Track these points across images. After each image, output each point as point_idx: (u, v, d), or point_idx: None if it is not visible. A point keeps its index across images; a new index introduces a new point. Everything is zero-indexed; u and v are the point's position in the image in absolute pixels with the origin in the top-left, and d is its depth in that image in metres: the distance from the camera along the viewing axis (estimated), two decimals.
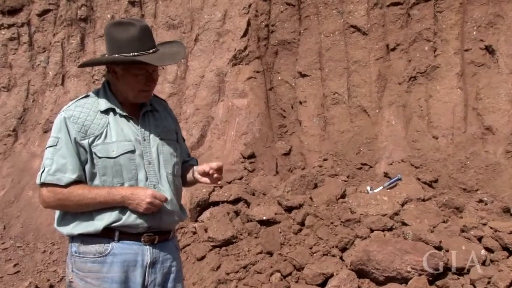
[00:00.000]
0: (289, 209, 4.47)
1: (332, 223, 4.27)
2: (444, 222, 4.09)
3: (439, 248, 3.65)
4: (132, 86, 1.89)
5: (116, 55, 1.84)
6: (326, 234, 4.15)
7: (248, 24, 6.08)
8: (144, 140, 1.93)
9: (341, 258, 3.98)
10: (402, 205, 4.33)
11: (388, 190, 4.57)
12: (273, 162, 5.57)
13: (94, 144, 1.86)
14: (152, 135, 1.95)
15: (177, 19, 6.42)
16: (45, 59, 6.68)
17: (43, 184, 1.86)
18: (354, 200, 4.45)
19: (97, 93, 1.96)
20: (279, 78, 6.16)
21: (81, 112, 1.90)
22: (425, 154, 5.04)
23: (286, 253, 4.01)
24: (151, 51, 1.86)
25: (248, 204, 4.79)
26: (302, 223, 4.32)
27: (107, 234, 1.88)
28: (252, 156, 5.52)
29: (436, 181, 4.78)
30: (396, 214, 4.23)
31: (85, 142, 1.86)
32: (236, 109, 5.89)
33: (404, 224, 4.10)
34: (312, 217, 4.33)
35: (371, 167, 5.21)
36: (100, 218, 1.86)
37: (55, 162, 1.86)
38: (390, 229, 4.06)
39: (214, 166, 1.95)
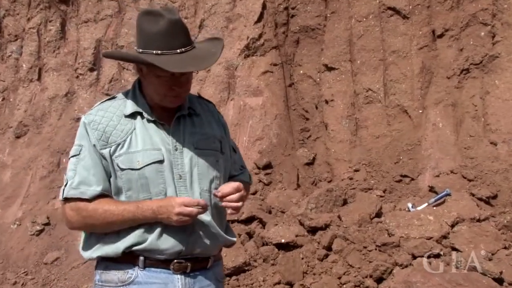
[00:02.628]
0: (313, 230, 4.47)
1: (365, 247, 4.26)
2: (505, 248, 4.06)
3: (499, 280, 3.61)
4: (155, 89, 1.92)
5: (140, 50, 1.88)
6: (358, 261, 4.14)
7: (264, 7, 6.13)
8: (176, 149, 1.92)
9: None
10: (452, 226, 4.30)
11: (434, 207, 4.55)
12: (294, 173, 5.58)
13: (117, 154, 1.89)
14: (186, 144, 1.94)
15: (178, 1, 6.50)
16: (17, 48, 6.73)
17: (66, 200, 1.90)
18: (392, 219, 4.44)
19: (126, 94, 2.00)
20: (301, 72, 6.18)
21: (103, 117, 1.93)
22: (480, 164, 5.00)
23: (310, 283, 4.01)
24: (178, 50, 1.86)
25: (263, 224, 4.81)
26: (329, 248, 4.32)
27: (131, 259, 1.89)
28: (268, 166, 5.54)
29: (494, 197, 4.73)
30: (445, 237, 4.21)
31: (106, 152, 1.89)
32: (249, 109, 5.93)
33: (454, 249, 4.08)
34: (341, 240, 4.33)
35: (413, 179, 5.18)
36: (124, 239, 1.88)
37: (78, 174, 1.89)
38: (437, 256, 4.04)
39: (226, 190, 1.89)
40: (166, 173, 1.89)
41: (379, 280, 4.02)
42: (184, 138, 1.95)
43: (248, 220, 4.82)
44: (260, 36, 6.10)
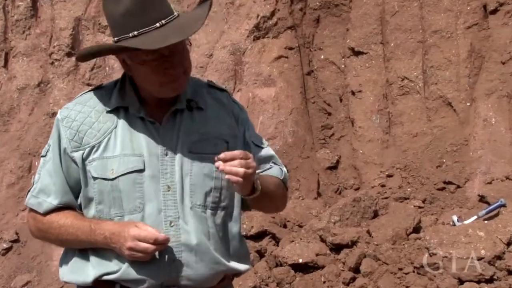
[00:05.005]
0: (337, 248, 4.46)
1: (400, 269, 4.24)
2: None
3: None
4: (148, 79, 1.87)
5: (116, 39, 1.85)
6: (391, 285, 4.12)
7: None
8: (166, 154, 1.87)
9: None
10: (508, 244, 4.28)
11: (486, 221, 4.54)
12: (313, 179, 5.57)
13: (90, 158, 1.87)
14: (179, 147, 1.89)
15: None
16: None
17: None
18: (434, 235, 4.42)
19: (115, 84, 1.96)
20: (322, 57, 6.17)
21: (80, 112, 1.91)
22: None
23: None
24: (158, 24, 1.81)
25: (277, 240, 4.81)
26: (356, 269, 4.31)
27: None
28: None
29: None
30: (499, 257, 4.19)
31: (78, 155, 1.87)
32: (259, 102, 5.93)
33: (510, 272, 4.07)
34: (370, 260, 4.31)
35: (458, 187, 5.16)
36: (96, 263, 1.87)
37: (41, 180, 1.92)
38: (490, 281, 4.02)
39: (236, 152, 1.81)
40: (147, 185, 1.85)
41: None
42: (178, 139, 1.90)
43: (259, 236, 4.83)
44: (272, 14, 6.10)
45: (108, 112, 1.90)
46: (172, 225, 1.85)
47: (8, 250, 5.78)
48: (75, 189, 1.91)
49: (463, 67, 5.51)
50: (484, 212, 4.61)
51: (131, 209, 1.84)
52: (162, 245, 1.80)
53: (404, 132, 5.60)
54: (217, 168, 1.77)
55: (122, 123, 1.89)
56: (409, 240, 4.51)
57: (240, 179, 1.76)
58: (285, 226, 4.99)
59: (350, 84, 5.94)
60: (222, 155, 1.76)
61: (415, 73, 5.67)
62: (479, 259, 4.16)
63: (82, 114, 1.91)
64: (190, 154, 1.88)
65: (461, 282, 4.05)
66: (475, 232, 4.35)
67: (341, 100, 6.03)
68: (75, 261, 1.91)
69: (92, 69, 6.48)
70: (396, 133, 5.66)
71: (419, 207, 5.02)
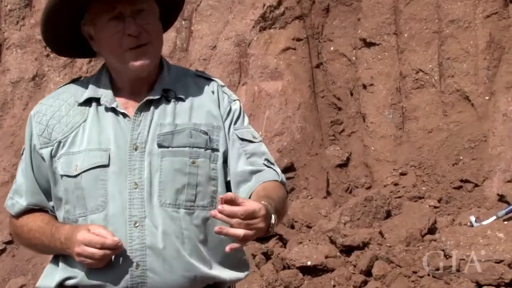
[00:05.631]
0: (347, 250, 4.46)
1: (414, 272, 4.22)
2: None
3: None
4: (109, 48, 1.85)
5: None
6: None
7: None
8: (135, 148, 1.84)
9: None
10: None
11: (505, 222, 4.52)
12: (323, 177, 5.56)
13: (58, 154, 1.87)
14: (149, 141, 1.85)
15: None
16: None
17: None
18: (450, 237, 4.39)
19: (94, 76, 1.97)
20: (332, 49, 6.15)
21: (51, 106, 1.91)
22: None
23: None
24: None
25: (284, 242, 4.81)
26: (367, 272, 4.30)
27: None
28: (290, 168, 5.53)
29: None
30: None
31: (46, 152, 1.87)
32: (265, 96, 5.92)
33: None
34: (383, 262, 4.30)
35: (476, 185, 5.14)
36: (62, 268, 1.86)
37: (16, 180, 1.96)
38: (510, 285, 4.00)
39: (238, 210, 1.62)
40: (112, 182, 1.81)
41: None
42: (149, 131, 1.86)
43: (265, 237, 4.81)
44: (279, 3, 6.10)
45: (80, 104, 1.90)
46: (136, 225, 1.79)
47: (1, 252, 5.80)
48: (47, 189, 1.91)
49: (482, 59, 5.49)
50: (503, 212, 4.58)
51: (93, 208, 1.82)
52: (114, 250, 1.74)
53: (419, 127, 5.58)
54: (213, 216, 1.63)
55: (92, 116, 1.88)
56: (423, 241, 4.48)
57: (236, 245, 1.63)
58: (292, 227, 4.99)
59: (361, 77, 5.93)
60: (219, 207, 1.60)
61: (430, 66, 5.66)
62: (499, 261, 4.14)
63: (53, 108, 1.91)
64: (160, 148, 1.84)
65: (479, 286, 4.03)
66: (494, 234, 4.32)
67: (351, 94, 6.03)
68: (49, 266, 1.92)
69: (90, 61, 6.48)
70: (410, 128, 5.65)
71: (435, 207, 5.00)
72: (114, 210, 1.80)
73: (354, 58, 6.04)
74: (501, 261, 4.13)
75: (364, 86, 5.89)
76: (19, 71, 6.51)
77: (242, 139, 1.95)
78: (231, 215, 1.60)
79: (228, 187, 1.91)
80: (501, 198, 4.88)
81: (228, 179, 1.92)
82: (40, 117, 1.91)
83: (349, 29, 6.10)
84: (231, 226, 1.61)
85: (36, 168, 1.90)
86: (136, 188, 1.81)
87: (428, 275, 4.21)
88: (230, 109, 1.97)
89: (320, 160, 5.68)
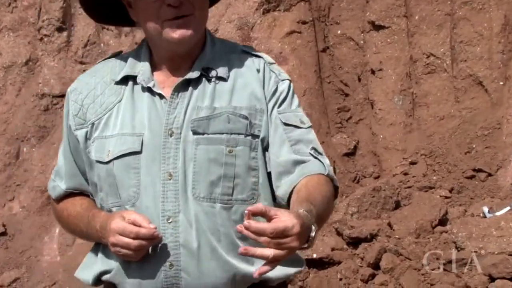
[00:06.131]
0: (354, 243, 4.47)
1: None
2: None
3: None
4: (149, 19, 1.76)
5: None
6: (415, 283, 4.12)
7: None
8: (171, 134, 1.74)
9: None
10: None
11: None
12: None
13: (92, 137, 1.81)
14: (185, 125, 1.74)
15: None
16: None
17: None
18: (462, 228, 4.40)
19: (134, 50, 1.90)
20: (339, 32, 6.13)
21: (87, 83, 1.86)
22: None
23: None
24: None
25: None
26: (375, 265, 4.31)
27: None
28: None
29: None
30: None
31: (81, 134, 1.82)
32: None
33: None
34: (392, 255, 4.31)
35: (490, 175, 5.13)
36: (101, 260, 1.82)
37: (58, 161, 1.92)
38: None
39: (267, 228, 1.44)
40: (144, 171, 1.73)
41: None
42: (185, 116, 1.75)
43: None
44: None
45: (116, 83, 1.82)
46: (170, 221, 1.70)
47: None
48: (84, 173, 1.87)
49: (496, 42, 5.46)
50: None
51: (126, 199, 1.74)
52: (151, 241, 1.66)
53: (430, 114, 5.58)
54: (239, 232, 1.47)
55: (127, 96, 1.80)
56: (434, 233, 4.49)
57: (266, 268, 1.46)
58: None
59: (369, 61, 5.92)
60: (245, 223, 1.44)
61: (442, 49, 5.64)
62: (511, 254, 4.15)
63: (88, 86, 1.85)
64: (194, 135, 1.73)
65: (492, 279, 4.03)
66: (508, 225, 4.32)
67: (359, 80, 6.01)
68: (88, 255, 1.87)
69: (86, 45, 6.48)
70: (420, 115, 5.64)
71: (446, 197, 4.99)
72: (146, 203, 1.72)
73: (362, 42, 6.02)
74: None
75: (373, 71, 5.88)
76: (12, 56, 6.51)
77: (287, 124, 1.79)
78: (259, 233, 1.43)
79: (270, 178, 1.78)
80: None
81: (270, 169, 1.78)
82: (76, 95, 1.85)
83: (357, 12, 6.08)
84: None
85: (74, 149, 1.85)
86: (170, 179, 1.72)
87: (439, 268, 4.21)
88: (276, 90, 1.83)
89: (327, 149, 5.67)
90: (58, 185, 1.89)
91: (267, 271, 1.47)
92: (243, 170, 1.74)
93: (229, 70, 1.81)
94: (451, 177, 5.17)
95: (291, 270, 1.78)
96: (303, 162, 1.76)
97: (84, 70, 6.74)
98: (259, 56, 1.87)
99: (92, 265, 1.83)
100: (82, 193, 1.89)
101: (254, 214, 1.45)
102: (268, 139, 1.78)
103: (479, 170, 5.17)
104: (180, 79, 1.77)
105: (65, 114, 1.89)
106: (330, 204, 1.74)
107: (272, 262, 1.45)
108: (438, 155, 5.36)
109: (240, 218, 1.69)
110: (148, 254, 1.70)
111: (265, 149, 1.78)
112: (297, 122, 1.81)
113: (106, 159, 1.76)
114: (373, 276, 4.26)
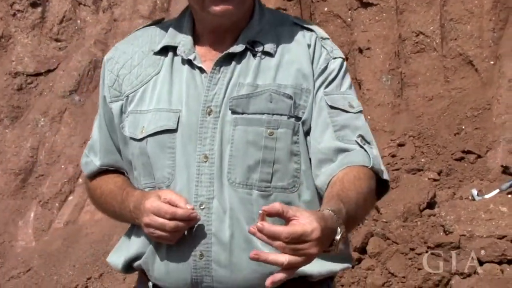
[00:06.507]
0: None
1: (412, 250, 4.25)
2: None
3: None
4: None
5: None
6: (402, 268, 4.13)
7: None
8: (209, 112, 1.65)
9: None
10: None
11: (509, 195, 4.52)
12: None
13: (127, 112, 1.74)
14: (225, 103, 1.65)
15: None
16: None
17: None
18: (451, 211, 4.41)
19: (176, 18, 1.80)
20: (325, 9, 6.10)
21: (124, 52, 1.79)
22: None
23: None
24: None
25: None
26: (362, 250, 4.33)
27: (143, 277, 1.76)
28: None
29: None
30: None
31: (116, 107, 1.75)
32: None
33: None
34: (378, 239, 4.33)
35: (479, 157, 5.13)
36: (132, 243, 1.75)
37: (92, 135, 1.85)
38: None
39: (282, 232, 1.31)
40: (180, 151, 1.64)
41: None
42: (226, 93, 1.65)
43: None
44: None
45: (155, 53, 1.74)
46: (202, 207, 1.61)
47: None
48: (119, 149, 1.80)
49: (487, 20, 5.45)
50: (507, 185, 4.57)
51: (160, 180, 1.66)
52: (188, 222, 1.57)
53: (419, 95, 5.57)
54: (251, 234, 1.35)
55: (166, 68, 1.72)
56: (422, 217, 4.50)
57: (280, 275, 1.32)
58: None
59: (357, 40, 5.90)
60: (259, 225, 1.32)
61: (431, 28, 5.63)
62: (501, 237, 4.16)
63: (125, 55, 1.77)
64: (233, 114, 1.63)
65: (480, 263, 4.05)
66: (497, 208, 4.35)
67: (346, 59, 5.96)
68: (122, 239, 1.80)
69: (61, 22, 6.42)
70: (409, 96, 5.64)
71: (434, 180, 4.98)
72: (180, 186, 1.63)
73: (349, 19, 5.99)
74: (504, 236, 4.16)
75: (360, 50, 5.86)
76: None
77: (332, 107, 1.67)
78: (273, 237, 1.30)
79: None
80: (505, 170, 4.87)
81: (310, 156, 1.67)
82: (113, 64, 1.78)
83: None
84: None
85: (109, 123, 1.78)
86: (205, 162, 1.62)
87: (427, 252, 4.23)
88: (326, 68, 1.70)
89: None
90: (92, 161, 1.82)
91: (281, 280, 1.32)
92: (284, 155, 1.63)
93: (277, 45, 1.70)
94: (440, 159, 5.17)
95: (336, 267, 1.66)
96: (346, 150, 1.63)
97: (60, 48, 6.82)
98: (311, 30, 1.75)
99: (124, 250, 1.76)
100: (117, 170, 1.81)
101: (270, 215, 1.33)
102: (310, 122, 1.67)
103: (468, 152, 5.16)
104: (223, 52, 1.68)
105: (100, 84, 1.81)
106: (367, 202, 1.59)
107: (288, 269, 1.32)
108: (426, 136, 5.36)
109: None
110: (179, 242, 1.62)
111: (307, 133, 1.67)
112: (345, 105, 1.68)
113: (140, 136, 1.68)
114: (359, 260, 4.27)
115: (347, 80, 1.72)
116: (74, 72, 6.33)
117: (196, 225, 1.60)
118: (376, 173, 1.62)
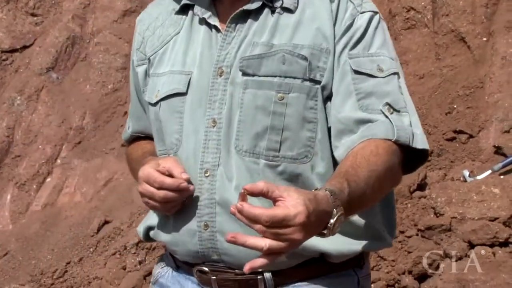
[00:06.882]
0: None
1: (402, 232, 4.26)
2: None
3: None
4: None
5: None
6: (391, 250, 4.14)
7: None
8: (220, 74, 1.58)
9: None
10: None
11: (502, 176, 4.53)
12: None
13: (149, 75, 1.73)
14: (236, 64, 1.58)
15: None
16: None
17: None
18: (441, 193, 4.42)
19: None
20: None
21: (150, 13, 1.77)
22: None
23: None
24: None
25: None
26: None
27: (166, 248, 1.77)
28: None
29: None
30: None
31: (141, 71, 1.74)
32: None
33: None
34: None
35: (471, 136, 5.13)
36: (151, 213, 1.76)
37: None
38: (505, 244, 4.04)
39: (262, 214, 1.24)
40: (189, 116, 1.60)
41: (422, 278, 4.03)
42: (237, 53, 1.58)
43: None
44: None
45: (177, 13, 1.69)
46: (207, 174, 1.56)
47: None
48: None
49: None
50: (500, 165, 4.58)
51: (169, 147, 1.63)
52: (179, 193, 1.52)
53: (409, 73, 5.55)
54: (232, 213, 1.28)
55: (186, 27, 1.67)
56: (412, 198, 4.51)
57: (260, 261, 1.26)
58: None
59: None
60: (238, 205, 1.25)
61: (422, 3, 5.62)
62: (493, 219, 4.17)
63: (151, 16, 1.75)
64: (244, 76, 1.56)
65: (471, 245, 4.07)
66: (489, 189, 4.35)
67: None
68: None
69: None
70: None
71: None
72: (187, 152, 1.59)
73: None
74: (496, 218, 4.17)
75: None
76: None
77: (357, 72, 1.56)
78: (253, 219, 1.24)
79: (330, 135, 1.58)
80: (498, 150, 4.87)
81: (330, 124, 1.58)
82: (141, 26, 1.77)
83: None
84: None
85: (138, 88, 1.77)
86: (213, 127, 1.56)
87: (417, 235, 4.25)
88: (351, 26, 1.58)
89: None
90: (128, 127, 1.86)
91: (262, 266, 1.26)
92: (295, 121, 1.54)
93: (298, 0, 1.60)
94: (431, 139, 5.15)
95: (357, 246, 1.55)
96: (369, 121, 1.53)
97: (37, 23, 6.75)
98: None
99: (147, 219, 1.76)
100: (149, 137, 1.79)
101: (253, 195, 1.26)
102: (331, 87, 1.57)
103: (460, 132, 5.16)
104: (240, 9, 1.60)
105: (132, 47, 1.81)
106: (383, 181, 1.48)
107: (269, 255, 1.26)
108: (418, 116, 5.37)
109: (289, 180, 1.53)
110: (183, 212, 1.58)
111: (328, 98, 1.58)
112: (373, 69, 1.57)
113: (154, 100, 1.66)
114: None
115: (379, 37, 1.60)
116: (51, 48, 6.25)
117: (201, 195, 1.56)
118: (406, 145, 1.52)
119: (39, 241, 5.42)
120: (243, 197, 1.26)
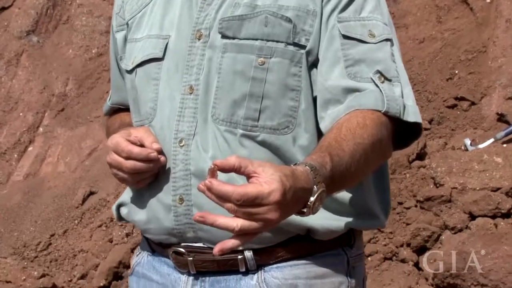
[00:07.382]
0: None
1: (400, 204, 4.27)
2: None
3: None
4: None
5: None
6: (390, 223, 4.15)
7: None
8: (199, 37, 1.53)
9: (416, 265, 4.00)
10: None
11: (505, 145, 4.54)
12: None
13: (128, 40, 1.68)
14: (215, 26, 1.52)
15: None
16: None
17: None
18: (442, 163, 4.42)
19: None
20: None
21: None
22: None
23: None
24: None
25: None
26: None
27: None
28: None
29: None
30: None
31: (119, 37, 1.70)
32: None
33: None
34: None
35: (473, 103, 5.13)
36: (125, 190, 1.70)
37: None
38: (507, 215, 4.06)
39: (233, 192, 1.17)
40: (165, 82, 1.55)
41: (421, 250, 4.06)
42: (217, 14, 1.52)
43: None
44: None
45: None
46: (182, 144, 1.51)
47: None
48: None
49: None
50: (502, 133, 4.59)
51: (144, 117, 1.59)
52: (148, 164, 1.48)
53: (409, 37, 5.56)
54: (200, 191, 1.22)
55: None
56: (411, 168, 4.52)
57: (231, 242, 1.20)
58: None
59: None
60: (207, 181, 1.19)
61: None
62: (495, 190, 4.18)
63: None
64: (223, 38, 1.50)
65: (472, 217, 4.08)
66: (491, 158, 4.36)
67: None
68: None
69: None
70: (398, 38, 5.47)
71: (425, 129, 4.96)
72: (161, 122, 1.54)
73: None
74: (498, 189, 4.18)
75: None
76: None
77: (346, 37, 1.49)
78: (223, 197, 1.17)
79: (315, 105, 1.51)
80: (501, 118, 4.89)
81: (315, 93, 1.51)
82: None
83: None
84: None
85: (117, 56, 1.72)
86: (191, 94, 1.51)
87: (416, 206, 4.26)
88: None
89: None
90: (108, 99, 1.84)
91: (233, 247, 1.20)
92: (277, 89, 1.48)
93: None
94: (431, 107, 5.17)
95: (340, 224, 1.50)
96: (357, 90, 1.46)
97: None
98: None
99: (123, 194, 1.69)
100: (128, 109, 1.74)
101: (223, 170, 1.20)
102: (317, 53, 1.50)
103: (462, 99, 5.15)
104: None
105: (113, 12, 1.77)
106: (369, 154, 1.40)
107: (242, 236, 1.20)
108: (417, 82, 5.33)
109: (269, 152, 1.47)
110: (157, 186, 1.53)
111: (314, 65, 1.50)
112: (364, 34, 1.49)
113: (130, 67, 1.61)
114: None
115: (372, 1, 1.53)
116: (32, 10, 6.19)
117: (175, 166, 1.50)
118: (396, 117, 1.45)
119: (21, 213, 5.41)
120: (212, 173, 1.20)
